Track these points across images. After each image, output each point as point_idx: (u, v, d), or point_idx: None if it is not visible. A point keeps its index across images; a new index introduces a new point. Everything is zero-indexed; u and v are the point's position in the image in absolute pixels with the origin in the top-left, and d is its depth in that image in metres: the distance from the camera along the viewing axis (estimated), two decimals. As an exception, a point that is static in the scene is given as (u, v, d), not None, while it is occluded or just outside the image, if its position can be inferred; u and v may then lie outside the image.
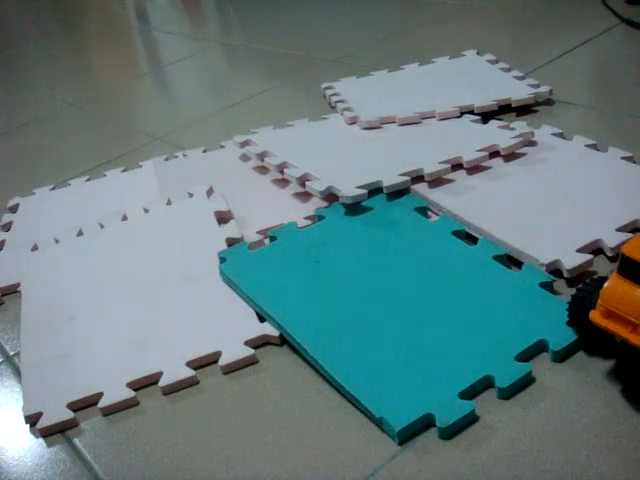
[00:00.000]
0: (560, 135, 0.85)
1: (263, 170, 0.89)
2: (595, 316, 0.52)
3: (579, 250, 0.64)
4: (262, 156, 0.88)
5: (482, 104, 0.92)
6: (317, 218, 0.76)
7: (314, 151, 0.88)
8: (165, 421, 0.57)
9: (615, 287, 0.51)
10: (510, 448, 0.49)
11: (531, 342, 0.56)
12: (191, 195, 0.85)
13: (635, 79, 0.98)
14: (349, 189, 0.76)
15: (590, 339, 0.55)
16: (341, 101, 1.02)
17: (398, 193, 0.77)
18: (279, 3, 1.71)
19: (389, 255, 0.68)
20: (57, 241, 0.82)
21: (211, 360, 0.62)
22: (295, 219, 0.76)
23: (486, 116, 0.91)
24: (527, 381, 0.54)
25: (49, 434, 0.59)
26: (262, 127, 1.00)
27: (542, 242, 0.65)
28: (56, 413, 0.59)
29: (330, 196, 0.77)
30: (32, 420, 0.59)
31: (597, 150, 0.81)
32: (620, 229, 0.66)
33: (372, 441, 0.52)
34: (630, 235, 0.65)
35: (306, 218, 0.77)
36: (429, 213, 0.75)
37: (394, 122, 0.93)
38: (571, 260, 0.62)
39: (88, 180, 0.99)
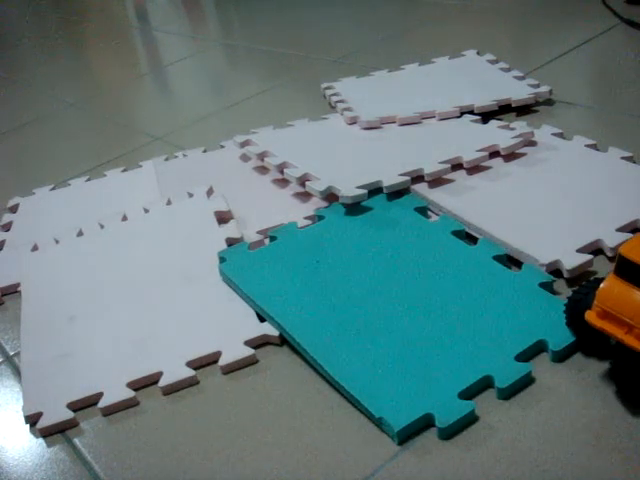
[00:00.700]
0: (560, 135, 0.85)
1: (263, 170, 0.89)
2: (591, 317, 0.51)
3: (579, 250, 0.64)
4: (262, 156, 0.88)
5: (482, 104, 0.92)
6: (317, 218, 0.76)
7: (314, 151, 0.88)
8: (165, 421, 0.57)
9: (611, 288, 0.50)
10: (510, 448, 0.49)
11: (531, 342, 0.56)
12: (191, 195, 0.85)
13: (635, 79, 0.98)
14: (349, 189, 0.76)
15: (587, 340, 0.55)
16: (341, 101, 1.02)
17: (398, 193, 0.77)
18: (279, 3, 1.71)
19: (389, 255, 0.68)
20: (57, 241, 0.82)
21: (211, 360, 0.62)
22: (295, 219, 0.76)
23: (486, 116, 0.91)
24: (527, 381, 0.54)
25: (49, 434, 0.59)
26: (262, 127, 1.00)
27: (542, 242, 0.65)
28: (56, 413, 0.59)
29: (330, 196, 0.77)
30: (32, 420, 0.59)
31: (597, 150, 0.81)
32: (620, 229, 0.66)
33: (372, 441, 0.52)
34: (630, 235, 0.65)
35: (306, 218, 0.77)
36: (429, 213, 0.75)
37: (394, 122, 0.93)
38: (571, 260, 0.62)
39: (88, 180, 0.99)
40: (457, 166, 0.80)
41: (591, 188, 0.73)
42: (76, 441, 0.57)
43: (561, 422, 0.50)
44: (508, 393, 0.53)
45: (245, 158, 0.93)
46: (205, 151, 0.99)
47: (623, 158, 0.77)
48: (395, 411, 0.52)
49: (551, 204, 0.71)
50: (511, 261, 0.66)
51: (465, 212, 0.72)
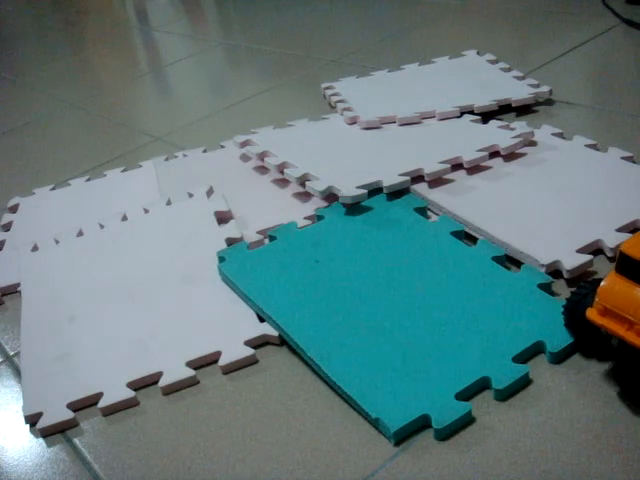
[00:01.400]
0: (560, 135, 0.85)
1: (263, 170, 0.89)
2: (592, 314, 0.51)
3: (579, 250, 0.64)
4: (262, 156, 0.88)
5: (482, 104, 0.92)
6: (317, 218, 0.76)
7: (314, 151, 0.88)
8: (165, 421, 0.57)
9: (612, 285, 0.50)
10: (509, 449, 0.49)
11: (528, 343, 0.56)
12: (191, 195, 0.85)
13: (635, 79, 0.98)
14: (349, 189, 0.76)
15: (586, 341, 0.55)
16: (341, 101, 1.02)
17: (398, 193, 0.77)
18: (279, 3, 1.71)
19: (388, 255, 0.68)
20: (57, 241, 0.82)
21: (211, 360, 0.62)
22: (295, 219, 0.76)
23: (486, 116, 0.91)
24: (524, 383, 0.53)
25: (49, 434, 0.59)
26: (262, 127, 1.00)
27: (542, 242, 0.65)
28: (56, 413, 0.59)
29: (330, 196, 0.77)
30: (32, 420, 0.59)
31: (597, 150, 0.81)
32: (620, 229, 0.66)
33: (372, 441, 0.52)
34: (630, 235, 0.65)
35: (306, 218, 0.77)
36: (429, 213, 0.75)
37: (394, 122, 0.93)
38: (571, 260, 0.62)
39: (88, 180, 0.99)
40: (457, 166, 0.80)
41: (591, 188, 0.73)
42: (76, 441, 0.57)
43: (560, 423, 0.50)
44: (505, 394, 0.53)
45: (245, 158, 0.93)
46: (205, 151, 0.99)
47: (623, 158, 0.77)
48: (392, 412, 0.52)
49: (551, 204, 0.71)
50: (511, 261, 0.66)
51: (465, 212, 0.72)
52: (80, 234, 0.82)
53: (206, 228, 0.78)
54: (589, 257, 0.63)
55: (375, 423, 0.52)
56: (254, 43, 1.46)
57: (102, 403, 0.59)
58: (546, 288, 0.61)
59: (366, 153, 0.86)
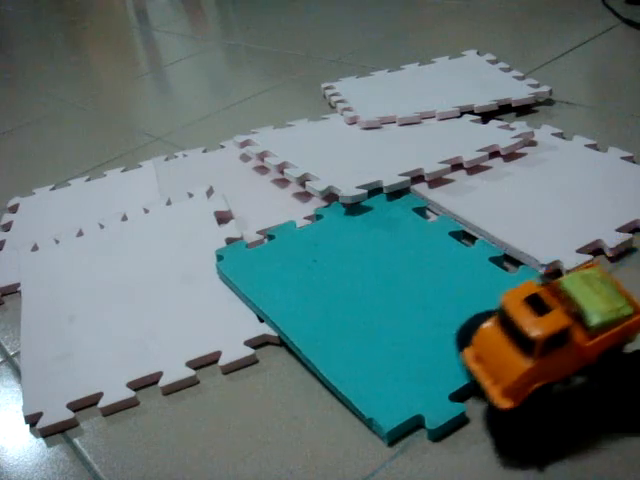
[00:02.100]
0: (560, 135, 0.85)
1: (263, 170, 0.89)
2: (468, 354, 0.48)
3: (579, 250, 0.64)
4: (262, 156, 0.88)
5: (482, 104, 0.92)
6: (316, 217, 0.76)
7: (314, 151, 0.88)
8: (165, 421, 0.57)
9: (490, 332, 0.47)
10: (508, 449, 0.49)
11: None
12: (191, 195, 0.85)
13: (635, 79, 0.98)
14: (349, 189, 0.76)
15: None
16: (341, 101, 1.02)
17: (398, 193, 0.77)
18: (279, 3, 1.71)
19: (386, 255, 0.68)
20: (57, 241, 0.82)
21: (211, 360, 0.62)
22: (295, 219, 0.76)
23: (486, 116, 0.91)
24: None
25: (49, 434, 0.59)
26: (262, 127, 1.00)
27: (542, 242, 0.65)
28: (56, 413, 0.59)
29: (330, 196, 0.77)
30: (32, 420, 0.59)
31: (597, 150, 0.81)
32: (620, 229, 0.66)
33: (372, 441, 0.52)
34: (630, 236, 0.65)
35: (306, 218, 0.77)
36: (428, 213, 0.75)
37: (394, 122, 0.93)
38: (571, 260, 0.62)
39: (88, 180, 0.99)
40: (457, 166, 0.80)
41: (591, 188, 0.73)
42: (76, 441, 0.57)
43: (558, 423, 0.50)
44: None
45: (245, 158, 0.93)
46: (205, 151, 0.99)
47: (623, 158, 0.77)
48: (385, 412, 0.52)
49: (551, 204, 0.71)
50: (511, 261, 0.66)
51: (465, 212, 0.72)
52: (80, 234, 0.82)
53: (206, 228, 0.78)
54: (589, 257, 0.63)
55: (369, 423, 0.52)
56: (254, 43, 1.46)
57: (102, 403, 0.59)
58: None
59: (366, 153, 0.86)
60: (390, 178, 0.77)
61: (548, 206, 0.71)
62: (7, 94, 1.46)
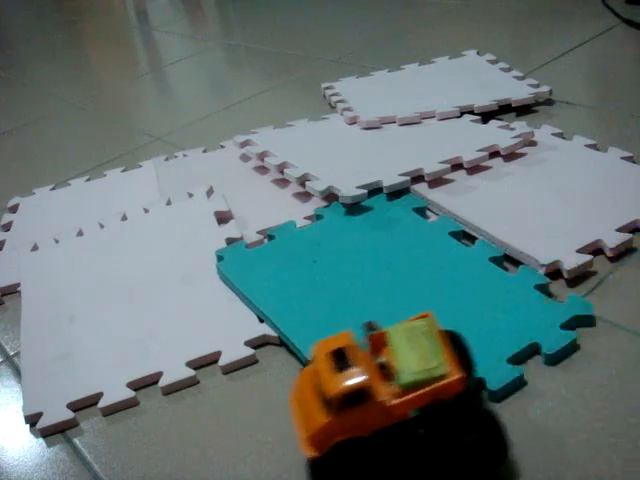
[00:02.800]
0: (560, 135, 0.85)
1: (263, 170, 0.89)
2: (292, 394, 0.47)
3: (579, 250, 0.64)
4: (262, 156, 0.88)
5: (482, 104, 0.92)
6: (316, 217, 0.76)
7: (314, 151, 0.88)
8: (165, 421, 0.57)
9: (305, 377, 0.46)
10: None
11: (524, 345, 0.55)
12: (191, 195, 0.85)
13: (635, 79, 0.98)
14: (349, 189, 0.76)
15: None
16: (341, 101, 1.02)
17: (398, 193, 0.77)
18: (279, 3, 1.71)
19: (386, 255, 0.68)
20: (57, 241, 0.82)
21: (211, 360, 0.62)
22: (295, 219, 0.76)
23: (486, 116, 0.91)
24: (519, 384, 0.53)
25: (49, 434, 0.59)
26: (262, 127, 1.00)
27: (542, 242, 0.65)
28: (56, 413, 0.59)
29: (330, 196, 0.77)
30: (32, 420, 0.59)
31: (597, 150, 0.81)
32: (620, 229, 0.66)
33: (372, 441, 0.52)
34: (630, 236, 0.65)
35: (306, 218, 0.77)
36: (428, 213, 0.75)
37: (394, 122, 0.93)
38: (571, 260, 0.62)
39: (88, 180, 0.99)
40: (457, 166, 0.80)
41: (591, 188, 0.73)
42: (76, 441, 0.57)
43: (557, 423, 0.50)
44: (500, 396, 0.53)
45: (245, 158, 0.93)
46: (205, 151, 0.99)
47: (623, 158, 0.77)
48: None
49: (551, 204, 0.71)
50: (511, 261, 0.66)
51: (465, 212, 0.72)
52: (80, 234, 0.82)
53: (206, 228, 0.78)
54: (589, 257, 0.63)
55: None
56: (254, 43, 1.46)
57: (102, 403, 0.59)
58: (543, 289, 0.61)
59: (366, 153, 0.86)
60: (390, 178, 0.77)
61: (548, 206, 0.71)
62: (7, 94, 1.46)
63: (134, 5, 2.06)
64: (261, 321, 0.64)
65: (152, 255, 0.76)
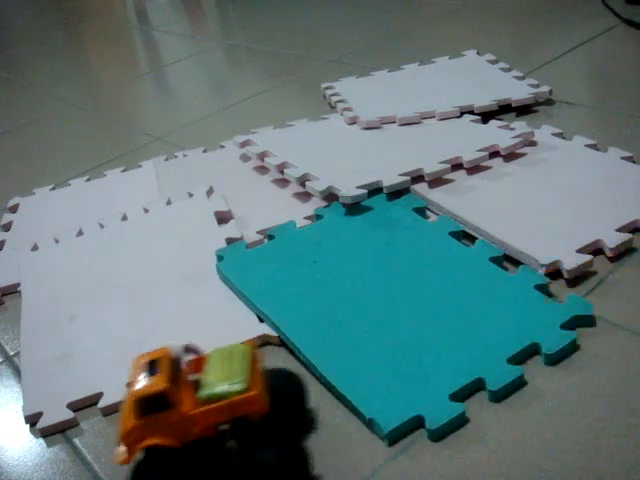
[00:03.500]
0: (560, 135, 0.85)
1: (263, 170, 0.89)
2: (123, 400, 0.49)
3: (579, 250, 0.64)
4: (262, 156, 0.88)
5: (482, 104, 0.92)
6: (316, 218, 0.76)
7: (314, 151, 0.88)
8: (165, 421, 0.57)
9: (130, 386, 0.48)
10: (510, 448, 0.49)
11: (524, 345, 0.55)
12: (191, 195, 0.85)
13: (635, 79, 0.98)
14: (349, 189, 0.76)
15: None
16: (341, 101, 1.02)
17: (398, 193, 0.77)
18: (279, 3, 1.71)
19: (386, 255, 0.68)
20: (57, 241, 0.82)
21: (211, 360, 0.62)
22: (295, 219, 0.76)
23: (486, 116, 0.91)
24: (519, 384, 0.53)
25: (49, 434, 0.58)
26: (262, 127, 1.00)
27: (542, 242, 0.65)
28: (56, 413, 0.59)
29: (330, 196, 0.77)
30: (32, 420, 0.59)
31: (597, 150, 0.81)
32: (620, 229, 0.66)
33: (372, 441, 0.52)
34: (630, 236, 0.65)
35: (306, 218, 0.77)
36: (428, 213, 0.75)
37: (394, 122, 0.93)
38: (571, 260, 0.62)
39: (88, 180, 0.99)
40: (457, 166, 0.80)
41: (591, 188, 0.73)
42: (76, 441, 0.57)
43: (557, 423, 0.50)
44: (500, 396, 0.52)
45: (245, 158, 0.93)
46: (205, 151, 0.99)
47: (623, 158, 0.77)
48: (385, 412, 0.52)
49: (551, 204, 0.71)
50: (511, 261, 0.66)
51: (465, 212, 0.72)
52: (80, 234, 0.82)
53: (206, 228, 0.78)
54: (589, 257, 0.63)
55: (369, 423, 0.52)
56: (254, 43, 1.46)
57: (102, 403, 0.59)
58: (543, 289, 0.61)
59: (366, 153, 0.86)
60: (390, 178, 0.77)
61: (548, 206, 0.71)
62: (7, 94, 1.46)
63: (134, 5, 2.06)
64: (261, 321, 0.64)
65: (152, 255, 0.76)
